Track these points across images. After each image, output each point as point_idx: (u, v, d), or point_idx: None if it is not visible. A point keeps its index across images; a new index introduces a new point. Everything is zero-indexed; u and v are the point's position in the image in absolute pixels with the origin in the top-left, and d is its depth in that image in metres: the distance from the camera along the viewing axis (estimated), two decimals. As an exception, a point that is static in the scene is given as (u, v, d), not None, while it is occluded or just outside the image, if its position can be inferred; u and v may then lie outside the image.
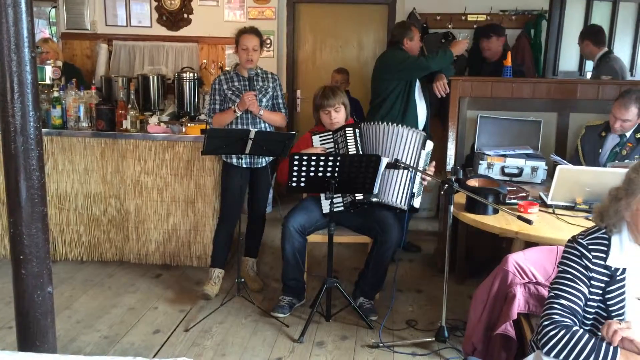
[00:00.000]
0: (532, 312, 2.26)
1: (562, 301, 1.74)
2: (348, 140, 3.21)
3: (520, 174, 3.53)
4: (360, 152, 3.19)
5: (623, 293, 1.74)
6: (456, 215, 2.98)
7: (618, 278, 1.74)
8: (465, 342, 2.56)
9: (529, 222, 2.57)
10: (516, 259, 2.31)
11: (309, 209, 3.31)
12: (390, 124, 3.22)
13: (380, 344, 2.96)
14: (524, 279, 2.28)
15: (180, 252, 4.00)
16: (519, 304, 2.24)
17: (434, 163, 3.30)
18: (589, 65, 5.03)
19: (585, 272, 1.76)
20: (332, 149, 3.28)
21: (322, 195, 3.25)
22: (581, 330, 1.70)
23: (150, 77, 5.03)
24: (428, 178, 3.18)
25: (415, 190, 3.18)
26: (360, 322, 3.17)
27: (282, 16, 5.61)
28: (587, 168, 3.28)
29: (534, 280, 2.27)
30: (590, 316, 1.77)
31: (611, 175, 1.85)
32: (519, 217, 2.63)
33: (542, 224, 2.75)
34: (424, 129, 4.20)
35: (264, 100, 3.49)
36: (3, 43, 1.77)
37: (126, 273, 3.86)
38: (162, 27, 5.69)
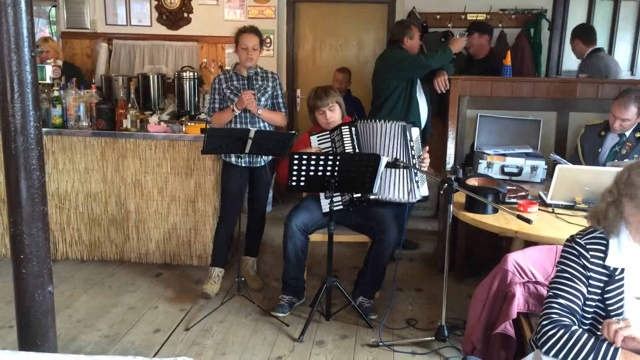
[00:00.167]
0: (531, 311, 2.27)
1: (561, 300, 1.74)
2: (344, 139, 3.21)
3: (519, 173, 3.54)
4: (357, 150, 3.19)
5: (622, 293, 1.74)
6: (456, 215, 2.98)
7: (617, 278, 1.75)
8: (465, 341, 2.56)
9: (528, 221, 2.57)
10: (515, 258, 2.31)
11: (310, 207, 3.32)
12: (385, 121, 3.22)
13: (380, 343, 2.96)
14: (523, 278, 2.28)
15: (181, 251, 4.01)
16: (518, 303, 2.25)
17: (427, 148, 3.30)
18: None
19: (584, 272, 1.76)
20: (330, 148, 3.28)
21: (322, 195, 3.25)
22: (580, 330, 1.70)
23: (151, 76, 5.03)
24: (426, 162, 3.19)
25: (417, 179, 3.18)
26: (360, 321, 3.18)
27: (282, 15, 5.61)
28: (587, 167, 3.28)
29: (534, 280, 2.28)
30: (589, 315, 1.77)
31: (610, 175, 1.85)
32: (519, 217, 2.63)
33: (541, 223, 2.75)
34: (425, 127, 4.22)
35: (263, 99, 3.49)
36: (3, 42, 1.77)
37: (126, 272, 3.87)
38: (162, 26, 5.70)
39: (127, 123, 3.88)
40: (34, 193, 1.87)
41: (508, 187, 3.12)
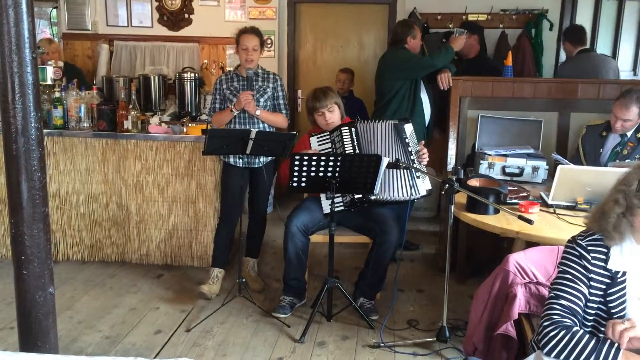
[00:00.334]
0: (532, 312, 2.27)
1: (562, 301, 1.74)
2: (344, 140, 3.21)
3: (521, 174, 3.53)
4: (357, 151, 3.19)
5: (624, 295, 1.73)
6: (457, 215, 2.97)
7: (619, 280, 1.74)
8: (466, 342, 2.56)
9: (529, 222, 2.57)
10: (517, 259, 2.31)
11: (310, 208, 3.31)
12: (382, 121, 3.21)
13: (382, 344, 2.96)
14: (524, 279, 2.28)
15: (182, 252, 4.01)
16: (519, 304, 2.25)
17: (422, 142, 3.30)
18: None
19: (585, 273, 1.76)
20: (330, 149, 3.27)
21: (323, 196, 3.25)
22: (581, 331, 1.70)
23: (152, 77, 5.03)
24: (425, 157, 3.19)
25: (418, 174, 3.16)
26: (362, 322, 3.17)
27: (282, 16, 5.61)
28: (588, 168, 3.28)
29: (535, 280, 2.27)
30: (591, 317, 1.77)
31: (612, 175, 1.84)
32: (520, 217, 2.63)
33: (542, 223, 2.75)
34: (427, 127, 4.23)
35: (262, 100, 3.49)
36: (4, 44, 1.77)
37: (127, 273, 3.87)
38: (163, 27, 5.70)
39: (128, 124, 3.88)
40: (35, 194, 1.87)
41: (509, 188, 3.12)
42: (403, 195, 3.14)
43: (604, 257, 1.75)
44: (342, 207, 3.21)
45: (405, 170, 3.13)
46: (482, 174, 3.49)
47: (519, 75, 4.72)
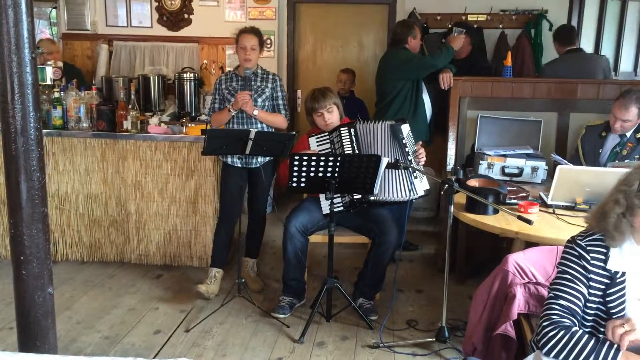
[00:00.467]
0: (532, 312, 2.26)
1: (562, 302, 1.74)
2: (344, 140, 3.20)
3: (520, 174, 3.53)
4: (356, 152, 3.19)
5: (623, 295, 1.73)
6: (456, 216, 2.98)
7: (618, 280, 1.74)
8: (466, 342, 2.56)
9: (529, 222, 2.57)
10: (516, 259, 2.31)
11: (310, 209, 3.31)
12: (381, 121, 3.21)
13: (381, 344, 2.96)
14: (524, 279, 2.28)
15: (181, 252, 4.01)
16: (519, 304, 2.25)
17: (420, 143, 3.30)
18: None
19: (584, 273, 1.75)
20: (329, 150, 3.27)
21: (322, 196, 3.25)
22: (580, 331, 1.70)
23: (151, 78, 5.03)
24: (422, 157, 3.19)
25: (416, 174, 3.16)
26: (361, 322, 3.17)
27: (282, 16, 5.61)
28: (588, 168, 3.28)
29: (534, 281, 2.27)
30: (590, 317, 1.77)
31: (611, 175, 1.84)
32: (519, 217, 2.63)
33: (542, 224, 2.75)
34: (428, 126, 4.23)
35: (260, 100, 3.48)
36: (3, 44, 1.77)
37: (127, 274, 3.87)
38: (162, 28, 5.70)
39: (127, 124, 3.88)
40: (34, 194, 1.87)
41: (509, 188, 3.12)
42: (401, 196, 3.14)
43: (603, 257, 1.75)
44: (342, 208, 3.20)
45: (402, 171, 3.13)
46: (482, 174, 3.49)
47: (518, 76, 4.72)
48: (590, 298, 1.75)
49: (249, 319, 3.24)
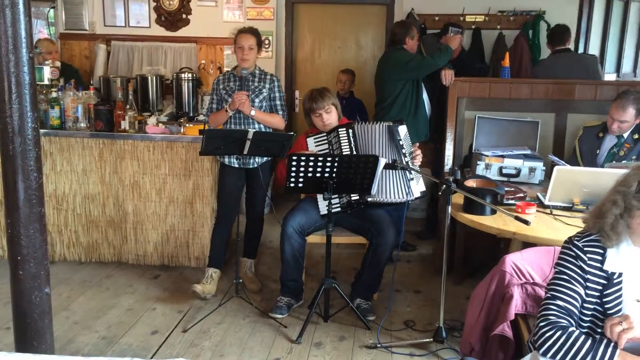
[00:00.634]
0: (529, 312, 2.27)
1: (559, 302, 1.74)
2: (342, 141, 3.20)
3: (518, 175, 3.54)
4: (354, 152, 3.19)
5: (620, 296, 1.74)
6: (454, 216, 2.98)
7: (615, 281, 1.74)
8: (463, 343, 2.57)
9: (526, 222, 2.57)
10: (513, 260, 2.32)
11: (307, 209, 3.31)
12: (380, 122, 3.21)
13: (378, 345, 2.96)
14: (521, 279, 2.28)
15: (179, 252, 4.00)
16: (516, 305, 2.25)
17: (417, 144, 3.31)
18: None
19: (581, 273, 1.76)
20: (327, 150, 3.27)
21: (319, 197, 3.25)
22: (577, 331, 1.70)
23: (149, 78, 5.02)
24: (419, 159, 3.20)
25: (412, 176, 3.16)
26: (358, 322, 3.17)
27: (280, 16, 5.61)
28: (585, 169, 3.29)
29: (531, 281, 2.28)
30: (587, 318, 1.77)
31: (609, 176, 1.84)
32: (517, 218, 2.63)
33: (539, 224, 2.75)
34: (428, 125, 4.24)
35: (257, 100, 3.48)
36: (1, 44, 1.77)
37: (124, 274, 3.86)
38: (160, 28, 5.69)
39: (125, 124, 3.87)
40: (31, 194, 1.87)
41: (506, 189, 3.12)
42: (398, 198, 3.14)
43: (600, 258, 1.75)
44: (339, 208, 3.21)
45: (399, 173, 3.13)
46: (479, 174, 3.50)
47: (516, 77, 4.73)
48: (587, 299, 1.76)
49: (246, 319, 3.24)
